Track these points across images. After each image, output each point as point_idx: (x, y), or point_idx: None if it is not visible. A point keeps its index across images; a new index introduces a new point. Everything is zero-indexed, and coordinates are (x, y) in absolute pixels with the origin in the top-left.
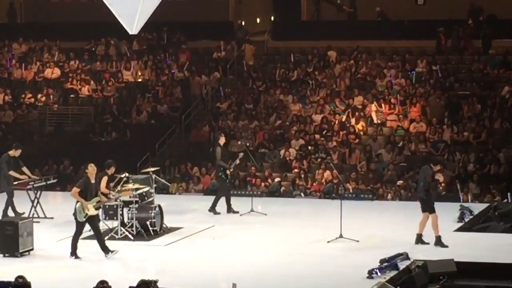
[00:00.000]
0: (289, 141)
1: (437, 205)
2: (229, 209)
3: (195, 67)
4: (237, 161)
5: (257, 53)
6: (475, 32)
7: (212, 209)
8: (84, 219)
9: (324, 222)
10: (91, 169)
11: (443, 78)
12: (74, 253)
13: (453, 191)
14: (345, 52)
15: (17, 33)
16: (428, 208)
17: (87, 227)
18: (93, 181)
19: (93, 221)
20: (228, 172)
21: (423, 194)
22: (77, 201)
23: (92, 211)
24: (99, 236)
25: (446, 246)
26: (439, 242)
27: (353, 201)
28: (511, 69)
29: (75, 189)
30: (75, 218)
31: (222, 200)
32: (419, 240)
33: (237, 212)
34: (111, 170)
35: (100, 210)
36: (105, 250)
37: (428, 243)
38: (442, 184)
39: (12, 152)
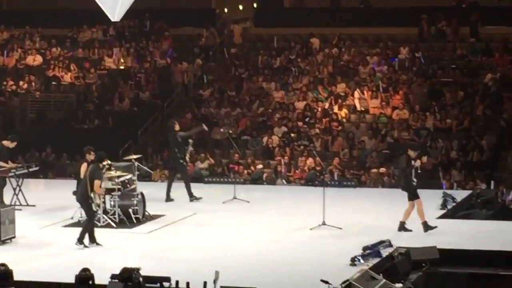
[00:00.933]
0: (272, 128)
1: (420, 192)
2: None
3: (177, 54)
4: (190, 148)
5: (240, 40)
6: (461, 19)
7: (191, 197)
8: (97, 208)
9: (307, 210)
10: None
11: (426, 65)
12: (93, 240)
13: (435, 178)
14: (328, 39)
15: None
16: (411, 196)
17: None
18: None
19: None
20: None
21: (402, 182)
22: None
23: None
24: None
25: (435, 227)
26: (427, 226)
27: (336, 189)
28: (494, 56)
29: (98, 182)
30: (84, 205)
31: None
32: (402, 227)
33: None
34: (91, 157)
35: None
36: (81, 239)
37: (411, 231)
38: (418, 168)
39: (6, 143)
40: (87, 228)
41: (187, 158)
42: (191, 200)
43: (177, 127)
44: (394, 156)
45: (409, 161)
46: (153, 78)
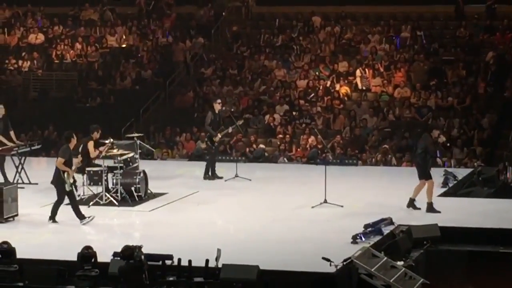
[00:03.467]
0: (273, 106)
1: None
2: (213, 175)
3: (179, 32)
4: (230, 129)
5: (242, 18)
6: None
7: (206, 175)
8: (70, 188)
9: (308, 188)
10: (74, 140)
11: (427, 43)
12: (53, 218)
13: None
14: (330, 18)
15: None
16: (424, 175)
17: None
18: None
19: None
20: (214, 139)
21: (419, 160)
22: (63, 171)
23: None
24: (75, 203)
25: (439, 212)
26: (431, 208)
27: (337, 167)
28: (495, 34)
29: (61, 159)
30: (58, 187)
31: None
32: (411, 204)
33: (221, 178)
34: (96, 135)
35: (85, 175)
36: (81, 216)
37: (419, 209)
38: (446, 143)
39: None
40: (56, 207)
41: (215, 139)
42: (204, 178)
43: (216, 107)
44: (395, 134)
45: (433, 141)
46: (155, 56)
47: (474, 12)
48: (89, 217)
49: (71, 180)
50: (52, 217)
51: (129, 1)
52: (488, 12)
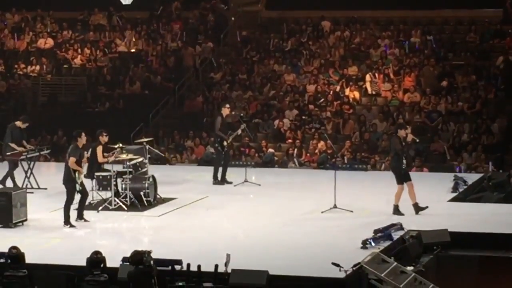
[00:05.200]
0: (283, 111)
1: (431, 175)
2: (223, 180)
3: (188, 37)
4: (239, 132)
5: (251, 23)
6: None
7: (215, 180)
8: (80, 188)
9: (318, 193)
10: (84, 139)
11: (438, 48)
12: (68, 221)
13: (446, 161)
14: (339, 22)
15: (10, 3)
16: (400, 179)
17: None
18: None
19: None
20: (225, 143)
21: (393, 163)
22: (74, 170)
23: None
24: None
25: (426, 207)
26: (418, 208)
27: (347, 172)
28: (505, 39)
29: (73, 159)
30: (68, 186)
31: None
32: (396, 211)
33: (231, 183)
34: (103, 139)
35: (94, 180)
36: (81, 216)
37: (403, 214)
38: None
39: (19, 123)
40: (67, 209)
41: (224, 143)
42: (214, 183)
43: (224, 111)
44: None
45: (402, 141)
46: (164, 61)
47: (485, 16)
48: (72, 226)
49: (81, 180)
50: (67, 221)
51: (138, 6)
52: (505, 15)
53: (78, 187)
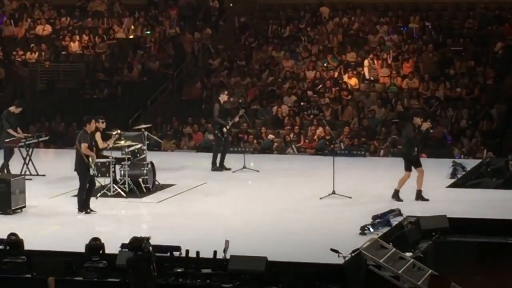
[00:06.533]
0: (281, 97)
1: (430, 161)
2: (222, 166)
3: (186, 23)
4: (236, 119)
5: (249, 9)
6: None
7: (214, 166)
8: (94, 172)
9: (316, 179)
10: (93, 126)
11: (436, 34)
12: (83, 208)
13: (445, 147)
14: (338, 8)
15: None
16: (410, 166)
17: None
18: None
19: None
20: (224, 129)
21: (404, 149)
22: (86, 155)
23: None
24: (91, 192)
25: (427, 200)
26: (419, 196)
27: (345, 158)
28: (504, 25)
29: (84, 144)
30: (81, 172)
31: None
32: (396, 196)
33: (230, 169)
34: (100, 125)
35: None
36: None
37: (402, 200)
38: (431, 131)
39: (12, 109)
40: (81, 196)
41: (223, 130)
42: (212, 170)
43: (222, 98)
44: (403, 125)
45: (415, 129)
46: (162, 47)
47: (481, 2)
48: (91, 211)
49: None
50: (82, 207)
51: None
52: None
53: (92, 171)
